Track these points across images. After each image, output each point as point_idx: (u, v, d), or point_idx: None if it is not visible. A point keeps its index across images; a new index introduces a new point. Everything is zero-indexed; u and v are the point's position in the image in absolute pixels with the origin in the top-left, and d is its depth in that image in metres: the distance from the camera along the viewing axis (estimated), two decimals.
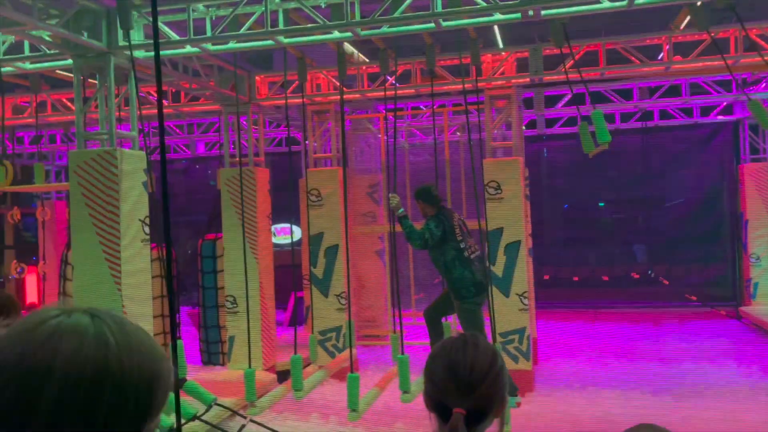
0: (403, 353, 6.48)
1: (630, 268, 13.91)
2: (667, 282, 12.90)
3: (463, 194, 10.61)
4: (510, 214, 8.22)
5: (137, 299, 5.96)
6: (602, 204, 14.46)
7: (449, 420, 1.54)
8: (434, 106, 7.21)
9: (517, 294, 8.24)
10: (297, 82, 8.40)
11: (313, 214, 9.02)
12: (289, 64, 7.94)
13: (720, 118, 12.47)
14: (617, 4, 5.08)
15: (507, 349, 8.25)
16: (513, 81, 8.13)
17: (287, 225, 15.47)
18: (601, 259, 14.24)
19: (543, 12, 5.18)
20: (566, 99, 11.29)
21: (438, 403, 1.59)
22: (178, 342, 5.55)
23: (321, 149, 9.48)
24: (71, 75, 8.67)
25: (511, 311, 8.24)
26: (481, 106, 8.49)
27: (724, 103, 12.09)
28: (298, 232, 14.09)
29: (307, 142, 12.41)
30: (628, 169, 13.81)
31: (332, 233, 9.01)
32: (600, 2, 5.06)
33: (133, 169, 5.97)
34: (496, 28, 8.53)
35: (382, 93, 8.39)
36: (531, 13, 5.12)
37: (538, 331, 10.32)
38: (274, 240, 11.55)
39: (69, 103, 9.86)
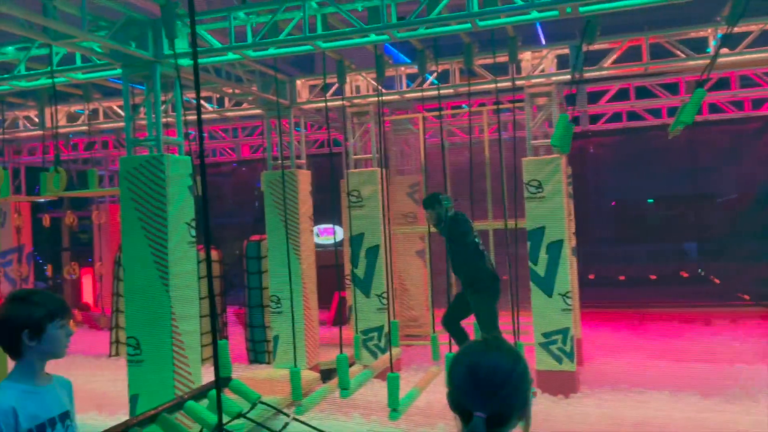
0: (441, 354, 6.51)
1: (679, 266, 13.56)
2: (718, 281, 12.51)
3: (503, 193, 10.53)
4: (551, 213, 8.14)
5: (185, 300, 6.16)
6: (651, 201, 14.15)
7: (470, 423, 1.55)
8: (471, 106, 7.18)
9: (560, 294, 8.15)
10: (337, 84, 8.53)
11: (353, 214, 9.12)
12: (328, 67, 8.06)
13: None
14: None
15: (550, 350, 8.17)
16: (553, 78, 8.03)
17: (330, 225, 15.69)
18: (648, 257, 13.92)
19: (581, 9, 5.12)
20: (610, 95, 11.09)
21: (459, 406, 1.60)
22: (223, 342, 5.71)
23: (361, 151, 9.56)
24: (120, 84, 9.02)
25: (553, 311, 8.16)
26: (521, 104, 8.43)
27: None
28: (340, 233, 14.26)
29: (347, 143, 12.55)
30: (677, 164, 13.46)
31: (373, 234, 9.09)
32: None
33: (180, 174, 6.18)
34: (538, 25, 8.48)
35: (420, 93, 8.44)
36: (569, 10, 5.07)
37: (582, 331, 10.18)
38: (317, 240, 11.72)
39: (119, 111, 10.22)
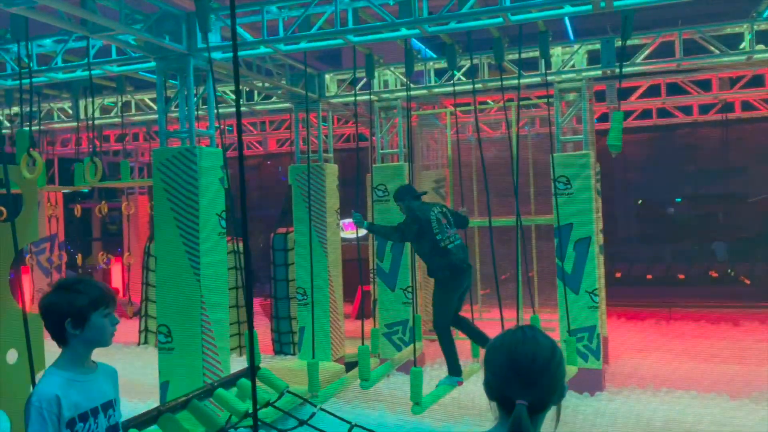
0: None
1: (708, 266, 13.36)
2: (748, 281, 12.30)
3: (531, 189, 10.50)
4: (580, 210, 8.09)
5: (215, 289, 6.26)
6: (679, 200, 13.95)
7: (511, 410, 1.59)
8: (504, 101, 7.15)
9: (587, 291, 8.10)
10: (365, 79, 8.56)
11: (379, 209, 9.17)
12: (357, 62, 8.09)
13: None
14: None
15: (576, 347, 8.12)
16: (584, 74, 7.97)
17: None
18: (677, 256, 13.73)
19: (615, 3, 5.08)
20: (641, 91, 10.95)
21: (500, 394, 1.65)
22: (253, 332, 5.79)
23: (387, 145, 9.59)
24: (154, 77, 9.17)
25: (580, 308, 8.12)
26: (551, 100, 8.37)
27: None
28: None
29: (374, 138, 12.58)
30: (708, 163, 13.25)
31: None
32: None
33: (211, 166, 6.27)
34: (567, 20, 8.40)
35: (449, 89, 8.44)
36: (603, 4, 5.04)
37: (609, 329, 10.10)
38: (341, 234, 11.79)
39: (151, 104, 10.39)
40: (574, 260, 8.14)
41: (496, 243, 10.12)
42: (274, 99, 9.67)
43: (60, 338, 2.27)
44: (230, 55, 6.42)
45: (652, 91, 10.98)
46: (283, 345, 10.62)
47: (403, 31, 5.89)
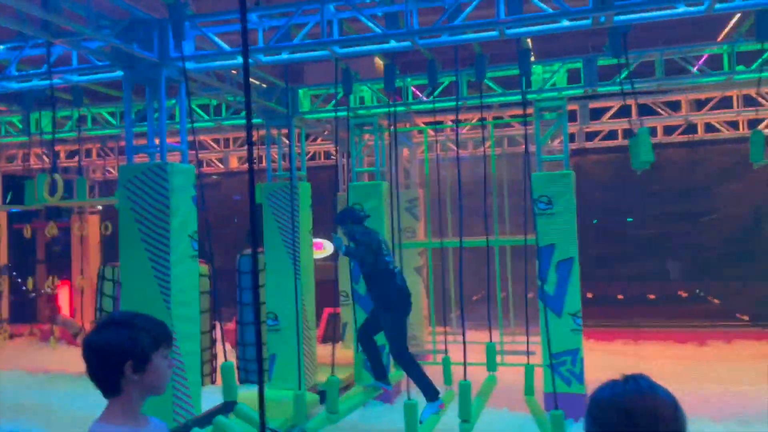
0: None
1: (672, 286, 13.48)
2: (717, 301, 12.43)
3: (506, 209, 10.33)
4: (563, 230, 7.93)
5: (186, 318, 5.77)
6: (630, 219, 14.09)
7: None
8: (482, 119, 6.96)
9: (569, 313, 7.92)
10: (339, 95, 8.27)
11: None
12: (327, 77, 7.80)
13: None
14: (694, 9, 4.81)
15: (559, 371, 7.91)
16: (564, 93, 7.86)
17: (319, 240, 15.32)
18: (643, 276, 13.81)
19: (616, 18, 4.93)
20: (612, 111, 10.99)
21: None
22: (229, 364, 5.34)
23: (363, 163, 9.28)
24: (113, 92, 8.64)
25: (563, 331, 7.92)
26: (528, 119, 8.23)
27: None
28: (330, 247, 13.89)
29: (346, 156, 12.25)
30: (672, 183, 13.42)
31: None
32: (676, 8, 4.79)
33: (183, 184, 5.82)
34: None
35: (430, 105, 8.21)
36: (603, 19, 4.88)
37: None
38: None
39: (110, 117, 9.81)
40: (557, 282, 7.95)
41: (472, 263, 9.92)
42: (243, 114, 9.22)
43: (113, 386, 1.88)
44: (205, 65, 6.02)
45: (624, 112, 11.03)
46: (249, 373, 10.06)
47: (393, 44, 5.61)
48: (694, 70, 7.37)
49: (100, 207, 14.30)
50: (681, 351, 11.85)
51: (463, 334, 6.44)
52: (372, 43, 5.59)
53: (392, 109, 8.02)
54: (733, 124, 12.15)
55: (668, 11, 4.86)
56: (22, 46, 6.08)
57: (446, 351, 7.09)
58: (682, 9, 4.81)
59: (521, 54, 7.13)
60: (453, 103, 8.23)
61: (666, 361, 10.91)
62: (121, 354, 1.86)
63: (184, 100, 5.97)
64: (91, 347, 1.89)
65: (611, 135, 12.85)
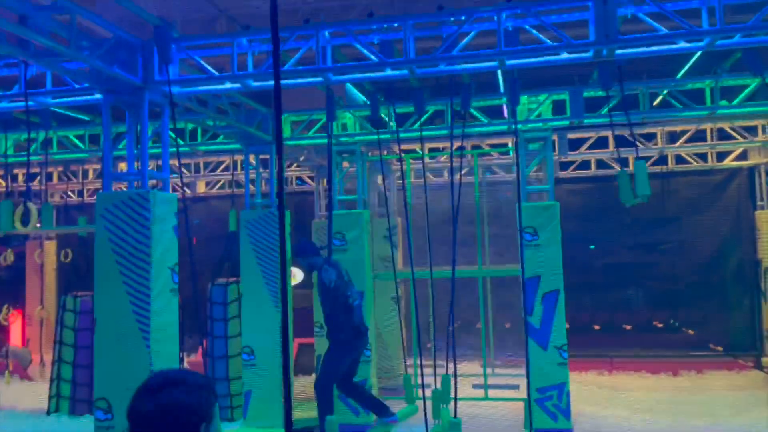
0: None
1: (645, 315, 13.57)
2: (692, 332, 12.53)
3: (486, 238, 10.24)
4: (548, 261, 7.85)
5: (166, 356, 5.42)
6: (592, 246, 14.20)
7: None
8: (461, 148, 6.88)
9: (555, 347, 7.80)
10: (318, 121, 8.11)
11: (336, 258, 8.55)
12: (303, 102, 7.66)
13: (736, 163, 12.38)
14: (694, 45, 4.81)
15: (545, 406, 7.76)
16: (550, 123, 7.84)
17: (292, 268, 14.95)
18: (619, 305, 13.86)
19: (617, 52, 4.89)
20: (590, 142, 11.08)
21: None
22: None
23: (342, 191, 9.07)
24: (81, 112, 8.27)
25: (549, 365, 7.79)
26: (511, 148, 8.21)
27: (741, 149, 11.98)
28: (299, 275, 13.56)
29: (324, 182, 12.01)
30: (643, 213, 13.57)
31: (357, 279, 8.52)
32: (676, 43, 4.79)
33: (165, 213, 5.52)
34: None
35: (415, 134, 8.09)
36: (605, 52, 4.84)
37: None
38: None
39: (77, 141, 9.40)
40: (542, 314, 7.84)
41: (448, 293, 9.73)
42: (220, 139, 8.96)
43: None
44: (190, 89, 5.76)
45: (600, 143, 11.15)
46: (222, 410, 9.60)
47: (388, 71, 5.46)
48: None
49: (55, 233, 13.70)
50: (655, 382, 11.86)
51: (455, 368, 6.24)
52: (367, 71, 5.43)
53: (377, 137, 7.90)
54: (702, 156, 12.42)
55: (669, 46, 4.85)
56: None
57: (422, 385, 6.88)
58: (681, 44, 4.80)
59: (510, 84, 7.10)
60: (441, 132, 8.15)
61: (641, 393, 10.89)
62: (200, 416, 1.75)
63: (167, 125, 5.69)
64: (166, 410, 1.73)
65: (584, 165, 13.00)
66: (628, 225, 13.73)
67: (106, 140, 5.53)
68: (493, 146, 10.52)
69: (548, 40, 4.97)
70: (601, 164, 13.01)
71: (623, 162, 12.65)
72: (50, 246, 13.83)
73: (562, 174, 13.05)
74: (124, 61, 5.32)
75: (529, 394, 7.77)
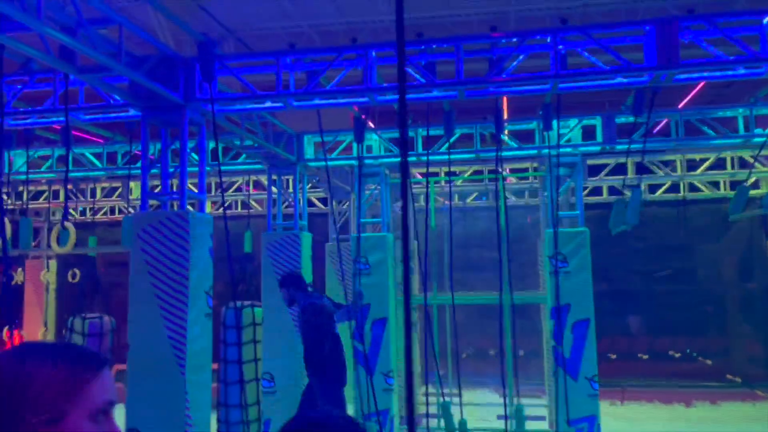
0: None
1: (661, 344, 13.43)
2: (710, 362, 12.38)
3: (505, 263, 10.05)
4: (578, 289, 7.70)
5: (200, 385, 5.19)
6: (608, 275, 14.11)
7: None
8: (503, 171, 6.77)
9: (586, 377, 7.61)
10: (342, 142, 7.98)
11: (360, 283, 8.36)
12: (333, 124, 7.52)
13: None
14: (754, 71, 4.75)
15: None
16: (581, 149, 7.76)
17: None
18: (625, 332, 13.72)
19: (676, 77, 4.81)
20: (609, 169, 11.02)
21: None
22: None
23: (363, 214, 8.91)
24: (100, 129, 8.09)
25: (579, 396, 7.58)
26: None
27: (754, 178, 11.97)
28: None
29: (342, 204, 11.86)
30: (655, 240, 13.52)
31: (380, 305, 8.34)
32: (736, 70, 4.72)
33: (202, 234, 5.33)
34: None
35: (444, 157, 7.98)
36: (664, 77, 4.75)
37: None
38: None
39: (93, 159, 9.19)
40: (572, 344, 7.66)
41: (466, 320, 9.57)
42: (241, 159, 8.79)
43: None
44: (230, 108, 5.61)
45: (619, 170, 11.10)
46: None
47: (435, 93, 5.34)
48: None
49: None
50: (669, 413, 11.69)
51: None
52: (414, 92, 5.31)
53: (405, 159, 7.77)
54: (715, 184, 12.40)
55: (729, 72, 4.78)
56: (25, 80, 5.56)
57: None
58: (741, 71, 4.74)
59: (545, 108, 7.01)
60: (469, 155, 8.04)
61: (656, 424, 10.72)
62: None
63: (204, 144, 5.53)
64: None
65: (595, 191, 12.93)
66: (638, 252, 13.68)
67: (143, 159, 5.34)
68: (513, 171, 10.44)
69: (602, 65, 4.88)
70: (612, 191, 12.95)
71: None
72: (51, 266, 13.51)
73: (572, 200, 12.98)
74: (165, 77, 5.17)
75: (557, 426, 7.57)
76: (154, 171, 8.00)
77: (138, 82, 4.81)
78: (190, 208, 5.48)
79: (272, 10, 8.32)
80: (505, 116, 8.52)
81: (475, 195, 12.56)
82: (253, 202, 13.24)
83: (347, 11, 8.57)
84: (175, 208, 5.37)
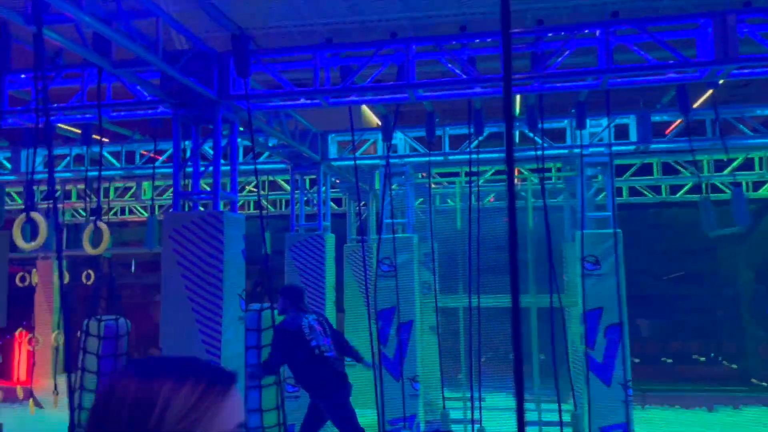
0: None
1: (684, 348, 13.23)
2: (735, 366, 12.17)
3: (528, 266, 9.88)
4: (611, 293, 7.50)
5: None
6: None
7: None
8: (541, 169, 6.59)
9: (619, 383, 7.41)
10: (365, 141, 7.81)
11: (382, 284, 8.18)
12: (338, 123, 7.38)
13: None
14: None
15: None
16: (615, 148, 7.57)
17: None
18: (649, 338, 13.52)
19: (733, 72, 4.63)
20: (634, 169, 10.83)
21: None
22: None
23: (388, 214, 8.71)
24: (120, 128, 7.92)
25: (612, 402, 7.39)
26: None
27: None
28: None
29: (362, 205, 11.66)
30: (676, 242, 13.32)
31: (406, 307, 8.15)
32: None
33: (235, 236, 5.15)
34: None
35: (467, 156, 7.79)
36: (720, 72, 4.57)
37: None
38: None
39: (110, 157, 9.02)
40: (605, 348, 7.47)
41: (484, 323, 9.36)
42: (262, 158, 8.61)
43: None
44: (264, 105, 5.43)
45: (645, 170, 10.92)
46: None
47: (477, 89, 5.16)
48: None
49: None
50: (690, 417, 11.49)
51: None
52: (454, 89, 5.13)
53: (430, 159, 7.60)
54: (737, 186, 12.19)
55: None
56: (50, 76, 5.38)
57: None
58: None
59: (578, 107, 6.83)
60: (497, 155, 7.86)
61: (675, 428, 10.53)
62: None
63: (236, 142, 5.35)
64: None
65: (618, 192, 12.73)
66: (659, 255, 13.46)
67: (175, 158, 5.17)
68: (533, 171, 10.23)
69: (653, 59, 4.69)
70: (633, 192, 12.75)
71: (656, 190, 12.46)
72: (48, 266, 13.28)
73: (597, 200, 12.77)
74: (199, 73, 4.99)
75: None
76: (164, 170, 7.90)
77: (174, 77, 4.63)
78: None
79: (285, 9, 8.17)
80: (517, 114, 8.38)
81: (492, 196, 12.36)
82: (264, 202, 13.07)
83: (361, 9, 8.42)
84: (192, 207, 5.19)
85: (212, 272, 4.90)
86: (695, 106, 7.55)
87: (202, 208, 5.27)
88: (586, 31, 4.77)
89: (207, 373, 1.16)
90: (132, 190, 12.56)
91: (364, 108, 8.49)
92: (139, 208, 13.60)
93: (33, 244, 3.67)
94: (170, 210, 5.20)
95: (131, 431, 1.08)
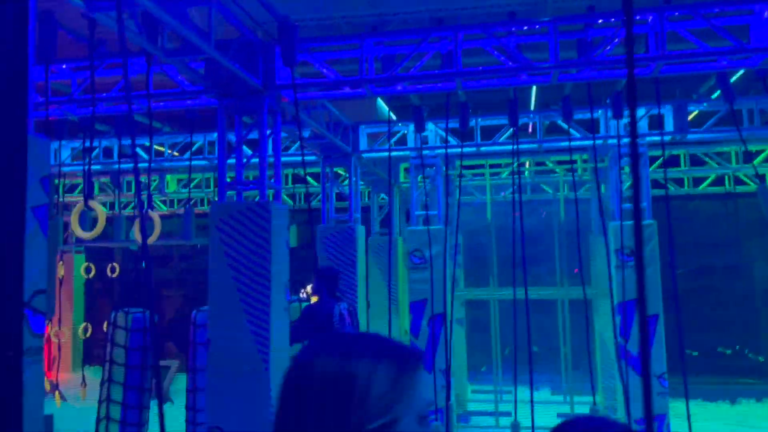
0: None
1: (708, 341, 13.14)
2: (762, 359, 12.09)
3: (557, 258, 9.83)
4: (646, 284, 7.43)
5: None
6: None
7: None
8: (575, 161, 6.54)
9: (655, 375, 7.38)
10: (397, 133, 7.76)
11: (414, 277, 8.16)
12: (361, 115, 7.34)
13: None
14: None
15: None
16: (649, 138, 7.51)
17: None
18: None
19: None
20: (660, 160, 10.74)
21: None
22: None
23: (417, 206, 8.68)
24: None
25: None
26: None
27: None
28: None
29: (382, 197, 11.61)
30: (700, 235, 13.23)
31: (437, 300, 8.12)
32: None
33: (281, 226, 5.13)
34: None
35: (498, 147, 7.76)
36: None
37: None
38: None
39: (140, 151, 9.00)
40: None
41: (507, 316, 9.31)
42: (292, 150, 8.58)
43: None
44: (310, 94, 5.40)
45: (672, 162, 10.83)
46: None
47: (524, 77, 5.12)
48: None
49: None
50: (714, 411, 11.44)
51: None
52: (501, 76, 5.08)
53: (462, 150, 7.55)
54: (761, 178, 12.07)
55: None
56: (96, 66, 5.36)
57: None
58: None
59: (614, 97, 6.78)
60: (532, 146, 7.82)
61: (704, 425, 10.48)
62: None
63: (280, 132, 5.33)
64: None
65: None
66: (682, 247, 13.37)
67: (220, 148, 5.15)
68: (560, 162, 10.19)
69: (707, 46, 4.64)
70: (655, 184, 12.66)
71: (678, 182, 12.37)
72: (79, 260, 13.35)
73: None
74: (245, 62, 4.97)
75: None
76: (197, 163, 7.88)
77: (222, 66, 4.61)
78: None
79: (303, 1, 8.14)
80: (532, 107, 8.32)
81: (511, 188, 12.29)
82: (285, 196, 13.06)
83: (379, 2, 8.39)
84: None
85: (260, 262, 4.89)
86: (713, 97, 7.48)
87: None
88: (638, 17, 4.72)
89: (398, 352, 1.14)
90: (155, 183, 12.57)
91: (379, 101, 8.46)
92: (158, 202, 13.60)
93: (91, 233, 3.65)
94: (215, 201, 5.18)
95: (335, 406, 1.06)
